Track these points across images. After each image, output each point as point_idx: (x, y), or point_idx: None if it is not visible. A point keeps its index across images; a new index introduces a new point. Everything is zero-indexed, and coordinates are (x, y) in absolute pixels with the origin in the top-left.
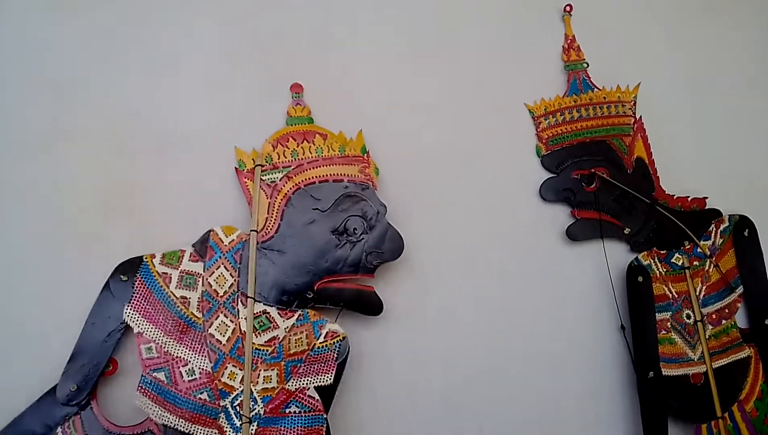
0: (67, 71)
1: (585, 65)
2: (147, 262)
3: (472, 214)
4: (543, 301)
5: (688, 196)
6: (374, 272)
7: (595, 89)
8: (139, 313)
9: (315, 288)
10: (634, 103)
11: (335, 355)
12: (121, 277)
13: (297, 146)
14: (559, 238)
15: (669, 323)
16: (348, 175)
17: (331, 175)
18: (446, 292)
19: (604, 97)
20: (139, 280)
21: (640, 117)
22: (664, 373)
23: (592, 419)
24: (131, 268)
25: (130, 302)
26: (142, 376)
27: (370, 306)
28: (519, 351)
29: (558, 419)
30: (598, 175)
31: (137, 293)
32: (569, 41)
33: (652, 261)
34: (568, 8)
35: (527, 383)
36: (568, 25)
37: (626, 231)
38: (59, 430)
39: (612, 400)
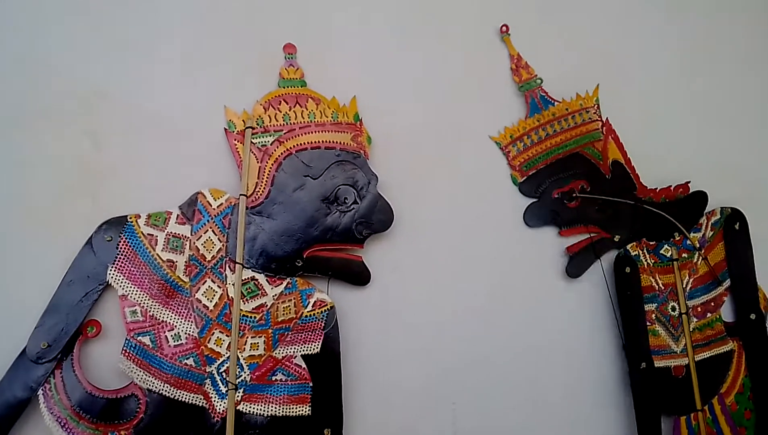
0: (31, 48)
1: (539, 81)
2: (132, 222)
3: (452, 227)
4: (532, 300)
5: (671, 186)
6: (363, 242)
7: (556, 103)
8: (124, 275)
9: (304, 256)
10: (598, 106)
11: (322, 324)
12: (105, 236)
13: (289, 110)
14: (550, 259)
15: (654, 315)
16: (340, 143)
17: (323, 141)
18: (433, 269)
19: (567, 109)
20: (123, 241)
21: (607, 118)
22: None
23: (576, 413)
24: (115, 227)
25: (114, 263)
26: (127, 339)
27: (357, 276)
28: (502, 342)
29: (542, 412)
30: (576, 192)
31: (121, 254)
32: (516, 61)
33: (640, 252)
34: (504, 29)
35: (511, 372)
36: (510, 45)
37: (616, 238)
38: (41, 391)
39: (593, 393)
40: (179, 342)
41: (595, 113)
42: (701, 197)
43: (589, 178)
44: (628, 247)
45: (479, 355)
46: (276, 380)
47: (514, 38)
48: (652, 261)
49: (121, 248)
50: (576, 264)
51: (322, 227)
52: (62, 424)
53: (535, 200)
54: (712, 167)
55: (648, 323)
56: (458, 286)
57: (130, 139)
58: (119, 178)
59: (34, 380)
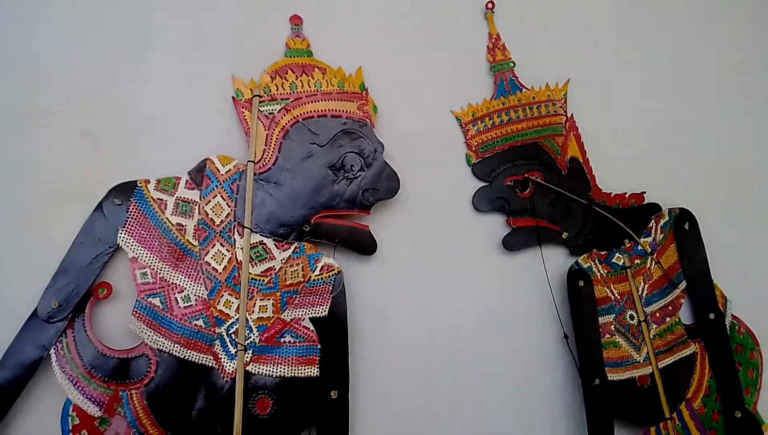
0: (26, 46)
1: (512, 65)
2: (141, 187)
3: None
4: (483, 309)
5: (626, 193)
6: (370, 209)
7: (524, 89)
8: (134, 238)
9: (311, 221)
10: (565, 101)
11: (330, 288)
12: (115, 200)
13: (296, 79)
14: (496, 247)
15: (613, 326)
16: (346, 112)
17: (329, 110)
18: (432, 242)
19: (534, 97)
20: (133, 205)
21: (572, 115)
22: (610, 378)
23: (532, 426)
24: (124, 192)
25: (124, 226)
26: (137, 300)
27: (364, 245)
28: (463, 350)
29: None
30: (531, 179)
31: (131, 218)
32: (494, 40)
33: (592, 263)
34: (490, 5)
35: (467, 389)
36: (492, 23)
37: (564, 235)
38: (53, 351)
39: (555, 406)
40: (189, 304)
41: (561, 107)
42: (654, 208)
43: (545, 170)
44: (580, 259)
45: (474, 339)
46: (284, 342)
47: (497, 18)
48: (605, 271)
49: (131, 212)
50: (516, 238)
51: (329, 194)
52: (74, 382)
53: (486, 184)
54: (663, 168)
55: (608, 335)
56: (445, 263)
57: (133, 122)
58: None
59: (45, 340)
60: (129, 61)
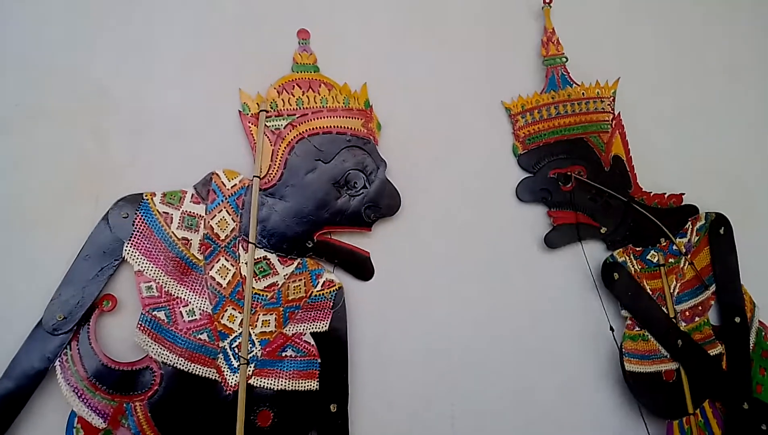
0: (33, 46)
1: (564, 60)
2: (147, 200)
3: (454, 207)
4: (523, 299)
5: (665, 193)
6: (371, 226)
7: (574, 85)
8: (140, 252)
9: (314, 238)
10: (613, 99)
11: (330, 304)
12: (121, 212)
13: (302, 94)
14: (537, 238)
15: None
16: (351, 129)
17: (334, 126)
18: (435, 257)
19: (583, 93)
20: (139, 218)
21: (619, 113)
22: (634, 369)
23: (568, 413)
24: (131, 204)
25: (130, 240)
26: (142, 314)
27: (362, 269)
28: (497, 342)
29: (534, 412)
30: (574, 175)
31: (137, 231)
32: (548, 34)
33: (627, 258)
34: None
35: (504, 373)
36: (548, 18)
37: (603, 230)
38: (57, 363)
39: (589, 394)
40: (193, 317)
41: (609, 105)
42: (691, 210)
43: (588, 165)
44: (615, 253)
45: (477, 349)
46: (286, 356)
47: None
48: (639, 267)
49: (136, 225)
50: (558, 235)
51: (333, 210)
52: (79, 394)
53: (530, 175)
54: (703, 173)
55: (637, 328)
56: (458, 273)
57: (140, 125)
58: (128, 168)
59: (50, 351)
60: (136, 68)
